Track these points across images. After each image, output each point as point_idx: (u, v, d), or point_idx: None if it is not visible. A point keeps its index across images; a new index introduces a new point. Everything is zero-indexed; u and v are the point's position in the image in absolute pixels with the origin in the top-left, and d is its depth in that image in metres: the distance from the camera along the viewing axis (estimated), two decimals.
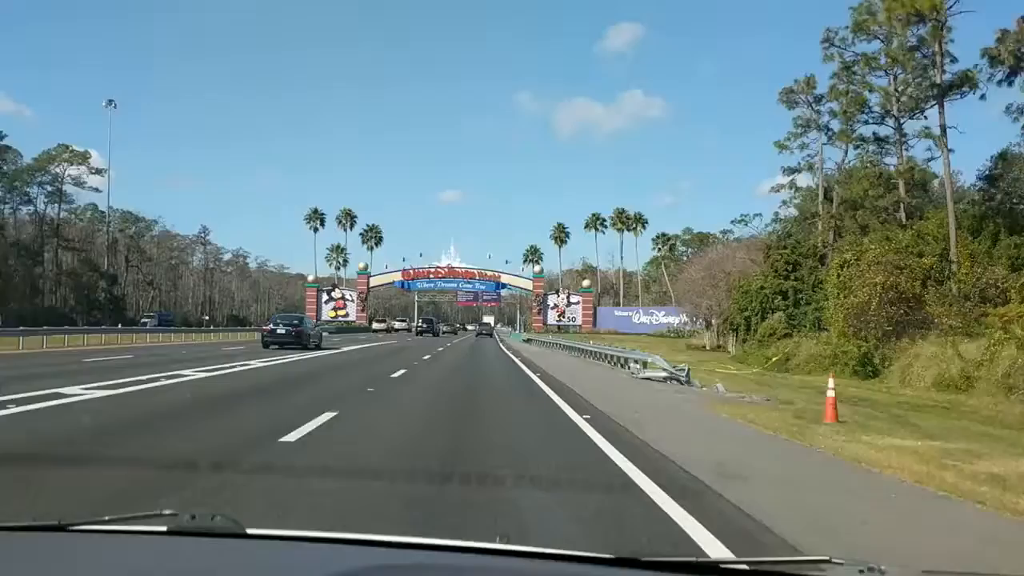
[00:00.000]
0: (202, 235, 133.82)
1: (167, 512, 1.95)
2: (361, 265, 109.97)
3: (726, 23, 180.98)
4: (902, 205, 40.62)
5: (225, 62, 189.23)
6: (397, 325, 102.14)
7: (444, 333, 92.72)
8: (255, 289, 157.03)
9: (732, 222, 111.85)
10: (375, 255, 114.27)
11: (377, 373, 20.38)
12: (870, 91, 40.56)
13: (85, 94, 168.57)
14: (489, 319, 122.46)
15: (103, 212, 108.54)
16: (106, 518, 1.99)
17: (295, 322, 36.45)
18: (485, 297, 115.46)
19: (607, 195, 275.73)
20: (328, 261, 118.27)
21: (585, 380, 21.49)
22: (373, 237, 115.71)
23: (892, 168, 42.35)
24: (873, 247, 33.11)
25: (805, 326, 44.29)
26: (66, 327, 49.02)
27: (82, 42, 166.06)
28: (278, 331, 34.52)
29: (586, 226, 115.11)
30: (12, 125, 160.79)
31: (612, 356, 29.78)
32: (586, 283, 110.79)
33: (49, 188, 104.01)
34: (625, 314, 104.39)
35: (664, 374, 23.25)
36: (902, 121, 40.50)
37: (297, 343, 33.98)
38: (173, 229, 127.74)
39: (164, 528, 1.92)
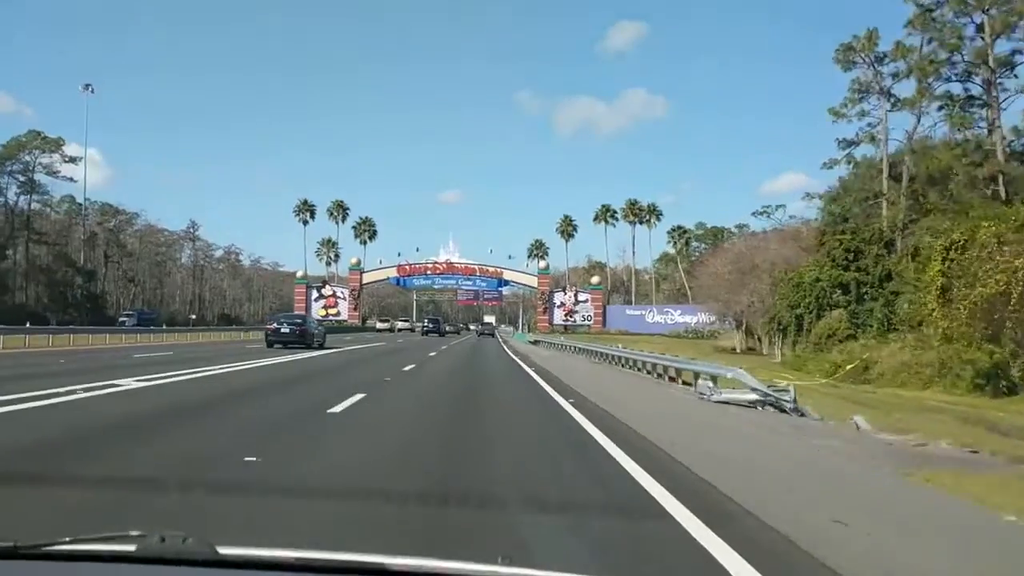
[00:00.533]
0: (191, 230, 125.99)
1: (134, 533, 1.76)
2: (353, 260, 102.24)
3: (729, 20, 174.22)
4: (1001, 177, 32.90)
5: (220, 56, 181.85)
6: (400, 325, 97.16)
7: (447, 333, 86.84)
8: (248, 287, 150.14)
9: (753, 214, 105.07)
10: (369, 250, 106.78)
11: (323, 397, 12.72)
12: (959, 38, 32.80)
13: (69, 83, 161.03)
14: (490, 319, 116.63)
15: (81, 204, 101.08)
16: (66, 539, 1.81)
17: (299, 321, 37.95)
18: (487, 296, 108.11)
19: (608, 193, 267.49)
20: (318, 256, 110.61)
21: (640, 406, 14.00)
22: (367, 231, 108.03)
23: (984, 133, 34.56)
24: (987, 225, 25.47)
25: (871, 325, 36.86)
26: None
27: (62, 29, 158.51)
28: (282, 330, 35.34)
29: (595, 218, 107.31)
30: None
31: (655, 366, 22.11)
32: (595, 280, 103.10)
33: (21, 178, 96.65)
34: (637, 313, 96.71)
35: (752, 396, 15.68)
36: (998, 75, 32.77)
37: (301, 342, 34.72)
38: (159, 224, 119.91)
39: (132, 548, 1.76)
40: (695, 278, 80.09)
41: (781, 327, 41.42)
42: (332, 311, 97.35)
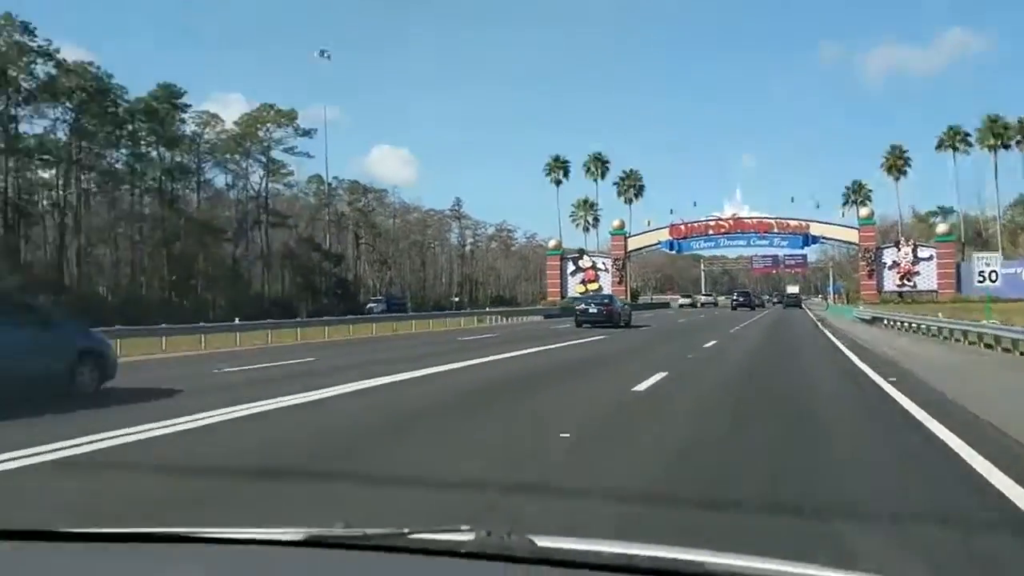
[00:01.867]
0: (455, 208, 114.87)
1: (464, 528, 1.65)
2: (616, 223, 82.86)
3: None
4: None
5: None
6: (703, 299, 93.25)
7: (756, 307, 78.97)
8: (525, 266, 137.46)
9: None
10: (634, 211, 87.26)
11: None
12: None
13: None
14: (794, 288, 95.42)
15: (328, 184, 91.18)
16: (405, 530, 1.68)
17: (606, 301, 39.59)
18: (788, 261, 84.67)
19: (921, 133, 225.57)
20: (573, 221, 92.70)
21: None
22: (631, 187, 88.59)
23: None
24: None
25: None
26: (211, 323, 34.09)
27: None
28: (590, 311, 37.04)
29: (939, 146, 79.23)
30: None
31: None
32: (942, 228, 75.46)
33: (263, 158, 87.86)
34: (1012, 271, 68.24)
35: None
36: None
37: (608, 322, 35.63)
38: (417, 203, 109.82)
39: (465, 539, 1.62)
40: None
41: None
42: (592, 286, 78.72)
